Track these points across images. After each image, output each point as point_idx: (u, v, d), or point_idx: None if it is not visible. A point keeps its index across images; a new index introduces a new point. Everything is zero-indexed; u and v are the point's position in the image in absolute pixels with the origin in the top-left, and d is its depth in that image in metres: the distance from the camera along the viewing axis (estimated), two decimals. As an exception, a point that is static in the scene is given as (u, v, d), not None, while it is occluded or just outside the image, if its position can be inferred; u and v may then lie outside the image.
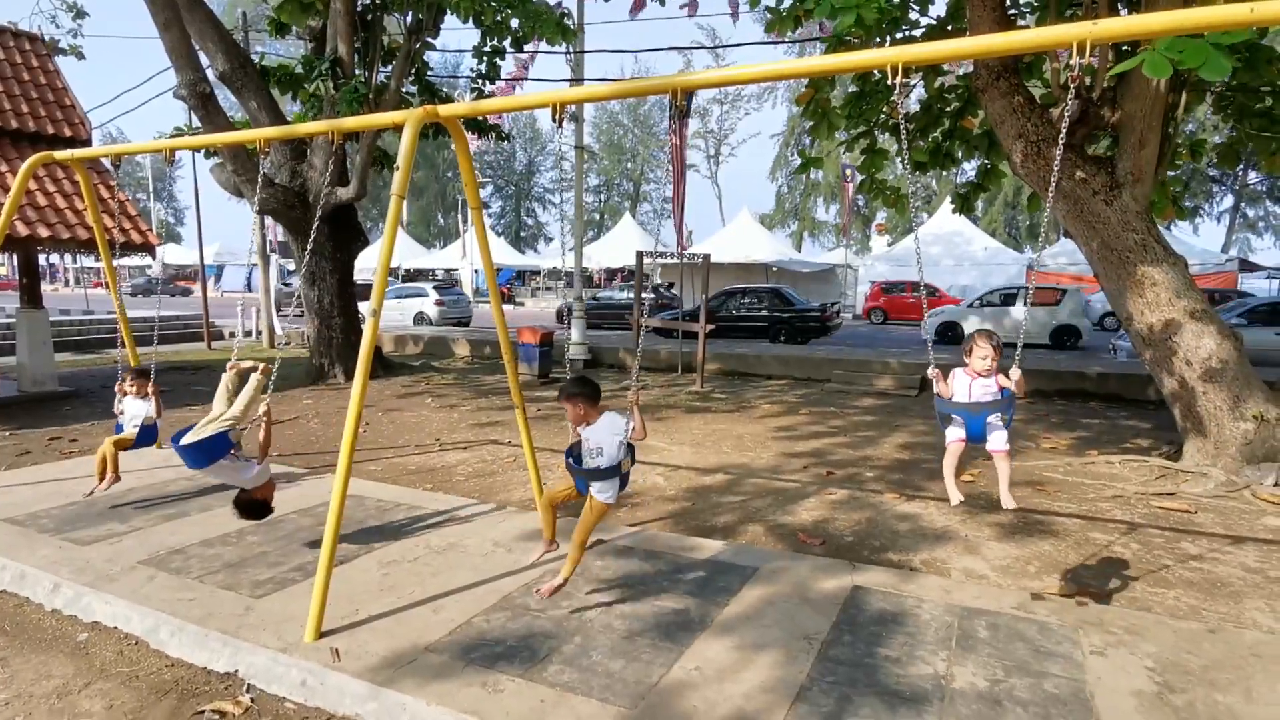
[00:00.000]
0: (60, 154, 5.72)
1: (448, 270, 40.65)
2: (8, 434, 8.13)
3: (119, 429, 5.37)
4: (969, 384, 3.52)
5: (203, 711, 3.06)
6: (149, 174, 50.83)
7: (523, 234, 63.86)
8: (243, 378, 4.59)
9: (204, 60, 10.57)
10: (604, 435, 3.49)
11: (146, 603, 3.76)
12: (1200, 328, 6.55)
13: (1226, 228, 43.67)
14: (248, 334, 19.65)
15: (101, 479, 5.28)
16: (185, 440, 4.14)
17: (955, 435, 3.54)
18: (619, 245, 35.53)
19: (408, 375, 13.11)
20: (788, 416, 9.61)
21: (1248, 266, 29.44)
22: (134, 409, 5.32)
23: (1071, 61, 2.92)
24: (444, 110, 4.07)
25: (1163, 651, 3.35)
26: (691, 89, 3.53)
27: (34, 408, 9.67)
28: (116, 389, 5.46)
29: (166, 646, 3.54)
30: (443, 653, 3.28)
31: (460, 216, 40.39)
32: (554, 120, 3.71)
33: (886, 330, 24.95)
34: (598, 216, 61.02)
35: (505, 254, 42.57)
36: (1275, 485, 6.14)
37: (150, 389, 5.32)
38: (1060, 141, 3.46)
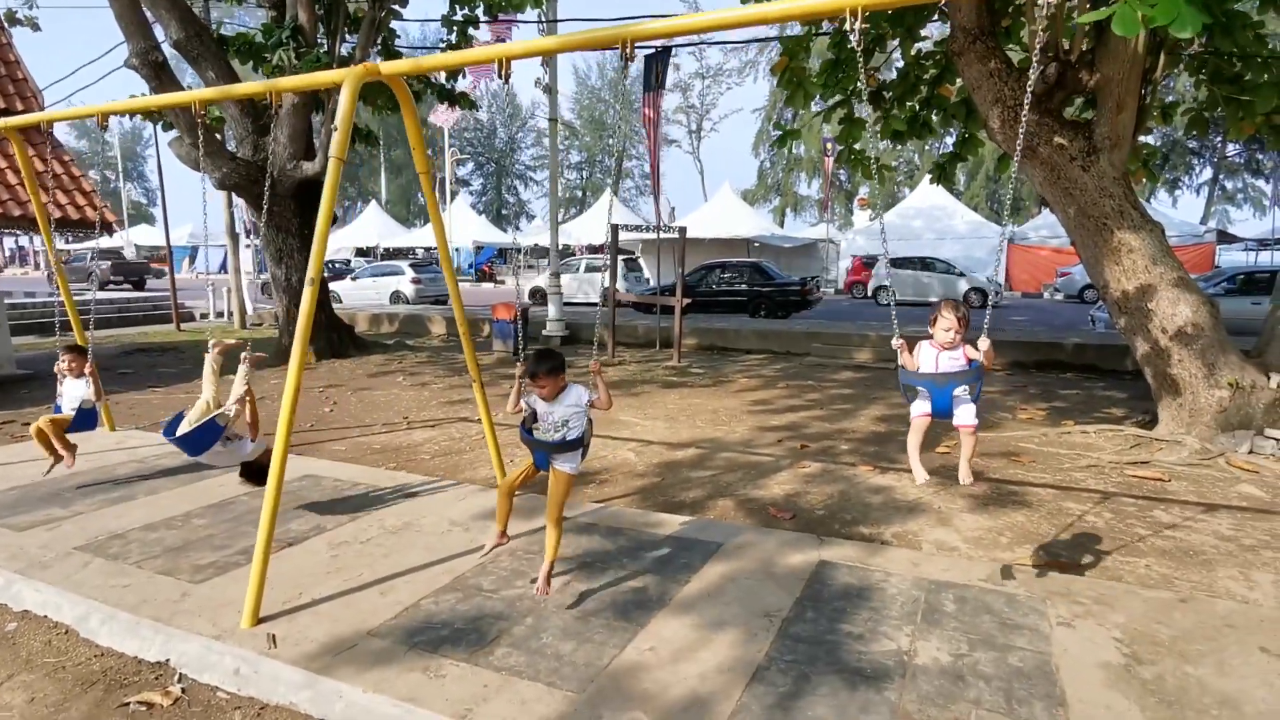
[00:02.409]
0: (-8, 122, 5.43)
1: (427, 249, 40.11)
2: (-42, 418, 7.85)
3: (57, 410, 5.10)
4: (935, 356, 3.34)
5: (129, 703, 2.90)
6: (118, 153, 49.40)
7: (504, 211, 63.11)
8: (227, 356, 4.53)
9: (160, 32, 10.15)
10: (569, 409, 3.38)
11: (78, 590, 3.58)
12: (1176, 294, 6.45)
13: (1205, 200, 43.85)
14: (219, 315, 19.25)
15: (54, 457, 4.94)
16: (178, 433, 4.21)
17: (920, 409, 3.34)
18: (601, 222, 35.19)
19: (381, 354, 12.86)
20: (765, 390, 9.48)
21: (1226, 238, 29.51)
22: (72, 390, 5.03)
23: None
24: (385, 68, 3.84)
25: (1131, 622, 3.25)
26: (643, 39, 3.33)
27: (-11, 391, 9.37)
28: (56, 369, 5.21)
29: (97, 635, 3.36)
30: (386, 637, 3.13)
31: (441, 195, 39.75)
32: (499, 76, 3.50)
33: (868, 304, 24.86)
34: (580, 194, 60.39)
35: (487, 232, 42.08)
36: (1250, 453, 6.09)
37: (88, 369, 5.00)
38: (1027, 101, 3.18)
